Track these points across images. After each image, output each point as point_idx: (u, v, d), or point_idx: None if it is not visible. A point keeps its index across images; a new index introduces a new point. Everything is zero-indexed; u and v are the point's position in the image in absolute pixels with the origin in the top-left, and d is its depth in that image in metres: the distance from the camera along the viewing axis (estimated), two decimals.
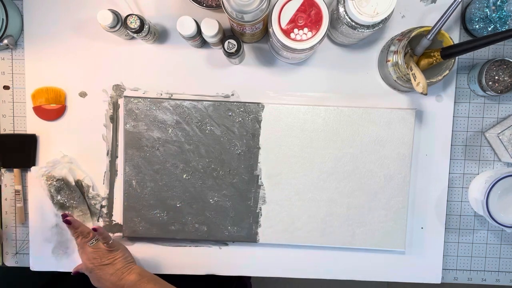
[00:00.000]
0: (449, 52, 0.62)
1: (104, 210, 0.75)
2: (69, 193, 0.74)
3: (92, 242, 0.67)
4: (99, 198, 0.75)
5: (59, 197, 0.73)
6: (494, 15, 0.66)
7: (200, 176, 0.73)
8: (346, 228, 0.73)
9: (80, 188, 0.74)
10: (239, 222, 0.73)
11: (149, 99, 0.72)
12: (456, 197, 0.76)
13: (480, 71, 0.70)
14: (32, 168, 0.73)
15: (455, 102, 0.74)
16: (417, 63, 0.66)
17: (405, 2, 0.72)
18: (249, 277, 1.01)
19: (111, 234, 0.75)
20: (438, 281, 0.76)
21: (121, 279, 0.66)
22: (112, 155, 0.74)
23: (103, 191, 0.75)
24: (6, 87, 0.74)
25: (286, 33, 0.59)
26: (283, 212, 0.73)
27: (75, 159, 0.75)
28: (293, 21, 0.58)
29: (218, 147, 0.73)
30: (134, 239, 0.75)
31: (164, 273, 0.76)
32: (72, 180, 0.73)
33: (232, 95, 0.74)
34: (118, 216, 0.75)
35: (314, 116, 0.72)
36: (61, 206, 0.74)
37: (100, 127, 0.74)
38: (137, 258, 0.75)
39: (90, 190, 0.75)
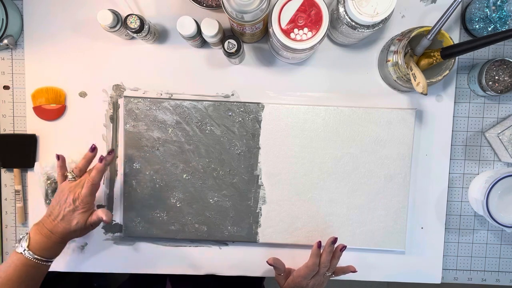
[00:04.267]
0: (449, 52, 0.62)
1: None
2: None
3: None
4: None
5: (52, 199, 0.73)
6: (494, 15, 0.66)
7: (200, 176, 0.73)
8: (346, 228, 0.73)
9: None
10: (239, 222, 0.73)
11: (149, 99, 0.72)
12: (456, 197, 0.76)
13: (480, 71, 0.70)
14: (36, 164, 0.73)
15: (455, 102, 0.74)
16: (417, 63, 0.66)
17: (405, 2, 0.72)
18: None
19: (111, 234, 0.75)
20: (438, 281, 0.76)
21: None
22: None
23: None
24: (6, 87, 0.74)
25: (286, 33, 0.59)
26: (283, 212, 0.73)
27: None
28: (293, 21, 0.58)
29: (218, 147, 0.72)
30: (134, 239, 0.75)
31: (165, 273, 0.76)
32: None
33: (232, 95, 0.73)
34: (118, 216, 0.75)
35: (314, 116, 0.72)
36: None
37: (100, 127, 0.74)
38: (137, 258, 0.76)
39: None
